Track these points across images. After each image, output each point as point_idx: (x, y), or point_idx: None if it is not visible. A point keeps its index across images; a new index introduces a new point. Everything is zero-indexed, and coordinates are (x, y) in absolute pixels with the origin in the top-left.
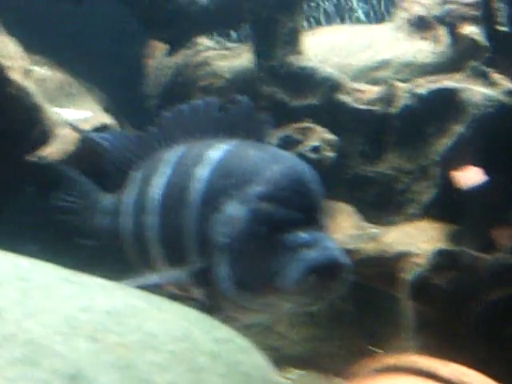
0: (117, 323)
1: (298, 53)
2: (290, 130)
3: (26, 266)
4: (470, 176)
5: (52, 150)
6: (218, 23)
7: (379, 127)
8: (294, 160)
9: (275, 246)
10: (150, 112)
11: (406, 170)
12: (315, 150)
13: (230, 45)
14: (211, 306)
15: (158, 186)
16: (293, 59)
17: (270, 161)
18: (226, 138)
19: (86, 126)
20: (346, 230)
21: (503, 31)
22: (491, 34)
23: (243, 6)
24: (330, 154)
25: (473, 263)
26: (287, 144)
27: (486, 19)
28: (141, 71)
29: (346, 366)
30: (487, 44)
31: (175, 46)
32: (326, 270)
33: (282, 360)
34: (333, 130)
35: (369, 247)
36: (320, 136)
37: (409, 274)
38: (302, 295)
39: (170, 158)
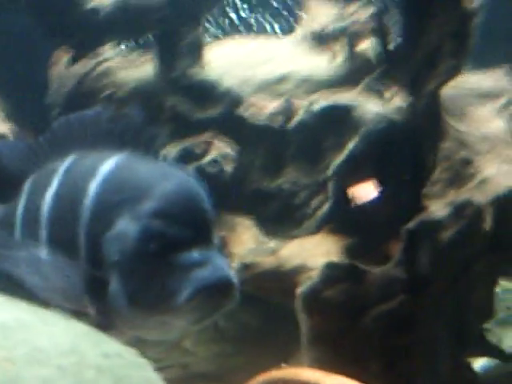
0: (4, 337)
1: (200, 65)
2: (188, 143)
3: None
4: (365, 190)
5: None
6: (122, 32)
7: (278, 142)
8: (186, 177)
9: (166, 265)
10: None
11: (304, 185)
12: (213, 163)
13: (132, 55)
14: (103, 322)
15: (47, 198)
16: (194, 71)
17: (161, 177)
18: (115, 149)
19: None
20: (244, 243)
21: (393, 46)
22: (382, 48)
23: (147, 17)
24: (229, 167)
25: (361, 276)
26: (186, 157)
27: (379, 32)
28: (45, 80)
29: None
30: (381, 58)
31: (78, 54)
32: (216, 289)
33: (189, 376)
34: (233, 144)
35: (266, 261)
36: (219, 150)
37: (301, 287)
38: (192, 313)
39: (59, 169)
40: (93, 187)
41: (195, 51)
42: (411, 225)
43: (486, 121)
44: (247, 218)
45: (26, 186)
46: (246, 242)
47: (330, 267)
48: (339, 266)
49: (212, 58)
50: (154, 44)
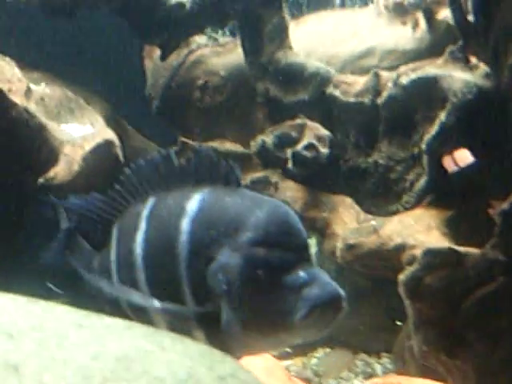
0: (126, 369)
1: (286, 48)
2: (284, 128)
3: (39, 312)
4: (461, 156)
5: (57, 171)
6: (205, 24)
7: (369, 118)
8: (274, 202)
9: (276, 288)
10: (152, 113)
11: (399, 159)
12: (310, 147)
13: (222, 40)
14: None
15: (138, 241)
16: (281, 55)
17: (251, 206)
18: (194, 187)
19: (88, 145)
20: (347, 223)
21: (469, 21)
22: (459, 23)
23: (227, 6)
24: (325, 150)
25: (460, 260)
26: (283, 142)
27: (454, 9)
28: (141, 74)
29: (369, 341)
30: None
31: (166, 50)
32: (329, 305)
33: None
34: (325, 124)
35: (369, 240)
36: (313, 131)
37: (402, 274)
38: (307, 330)
39: (143, 212)
40: (185, 225)
41: (281, 34)
42: (506, 206)
43: None
44: (346, 196)
45: (114, 232)
46: (348, 222)
47: (429, 254)
48: (438, 252)
49: (297, 36)
50: (238, 32)
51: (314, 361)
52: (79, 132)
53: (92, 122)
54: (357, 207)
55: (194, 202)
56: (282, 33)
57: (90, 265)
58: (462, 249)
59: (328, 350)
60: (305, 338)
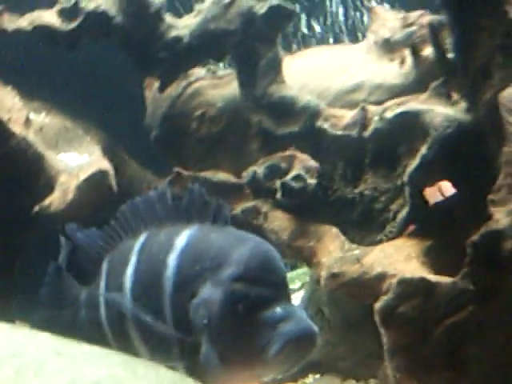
0: None
1: (279, 82)
2: (275, 159)
3: (21, 339)
4: (441, 189)
5: (53, 199)
6: (202, 57)
7: (356, 150)
8: (257, 239)
9: (254, 323)
10: (151, 144)
11: (383, 190)
12: (297, 178)
13: (220, 73)
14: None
15: (128, 275)
16: (274, 89)
17: (234, 243)
18: (184, 224)
19: (83, 174)
20: (332, 252)
21: (449, 58)
22: (440, 60)
23: (224, 40)
24: (312, 180)
25: (431, 290)
26: (273, 172)
27: (435, 46)
28: (140, 104)
29: (358, 368)
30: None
31: (165, 82)
32: (302, 340)
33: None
34: (315, 155)
35: (352, 269)
36: (302, 163)
37: (378, 303)
38: (281, 364)
39: (134, 247)
40: (172, 259)
41: (274, 68)
42: (476, 237)
43: None
44: (333, 226)
45: (104, 267)
46: (333, 251)
47: (403, 283)
48: (410, 282)
49: (292, 70)
50: (235, 65)
51: None
52: (76, 161)
53: (89, 152)
54: (342, 237)
55: (182, 237)
56: (276, 67)
57: (76, 300)
58: (433, 278)
59: (318, 375)
60: (279, 372)
